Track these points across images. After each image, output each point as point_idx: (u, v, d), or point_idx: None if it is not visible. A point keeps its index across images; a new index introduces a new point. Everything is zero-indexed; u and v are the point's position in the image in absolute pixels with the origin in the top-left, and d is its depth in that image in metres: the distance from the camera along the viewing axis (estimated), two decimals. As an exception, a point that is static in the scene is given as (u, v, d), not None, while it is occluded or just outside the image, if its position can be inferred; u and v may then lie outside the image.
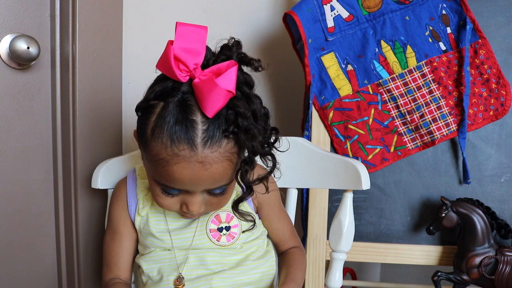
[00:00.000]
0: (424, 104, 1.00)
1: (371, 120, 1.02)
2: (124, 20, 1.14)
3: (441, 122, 1.00)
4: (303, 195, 1.05)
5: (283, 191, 0.93)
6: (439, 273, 0.98)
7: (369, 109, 1.02)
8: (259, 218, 0.85)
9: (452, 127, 1.00)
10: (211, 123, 0.62)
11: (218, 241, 0.78)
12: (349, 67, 1.03)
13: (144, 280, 0.81)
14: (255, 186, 0.71)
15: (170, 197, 0.70)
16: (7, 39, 0.93)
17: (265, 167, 0.71)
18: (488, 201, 1.00)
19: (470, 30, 0.99)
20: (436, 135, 1.00)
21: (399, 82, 1.01)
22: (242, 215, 0.77)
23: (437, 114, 1.00)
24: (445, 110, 1.00)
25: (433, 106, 1.00)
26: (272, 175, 0.72)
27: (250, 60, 0.66)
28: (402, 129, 1.02)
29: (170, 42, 0.62)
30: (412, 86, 1.01)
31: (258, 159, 0.69)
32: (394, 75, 1.02)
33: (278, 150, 0.72)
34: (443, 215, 0.95)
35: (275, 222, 0.86)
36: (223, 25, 1.21)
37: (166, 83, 0.64)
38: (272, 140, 0.71)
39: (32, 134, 1.01)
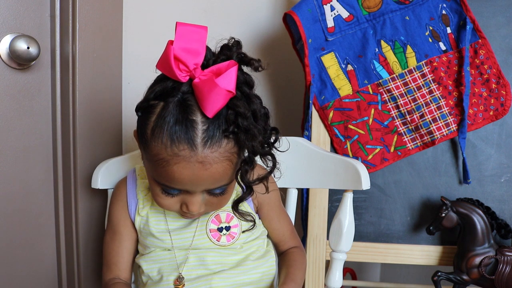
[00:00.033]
0: (424, 104, 1.00)
1: (371, 120, 1.02)
2: (124, 20, 1.14)
3: (441, 122, 1.00)
4: (303, 195, 1.05)
5: (283, 191, 0.93)
6: (439, 273, 0.98)
7: (369, 109, 1.02)
8: (259, 218, 0.85)
9: (452, 127, 1.00)
10: (211, 123, 0.62)
11: (218, 241, 0.78)
12: (349, 67, 1.03)
13: (144, 280, 0.81)
14: (255, 186, 0.71)
15: (170, 197, 0.70)
16: (7, 39, 0.93)
17: (265, 167, 0.71)
18: (488, 201, 1.00)
19: (470, 30, 0.99)
20: (436, 135, 1.00)
21: (399, 82, 1.01)
22: (242, 215, 0.77)
23: (437, 114, 1.00)
24: (445, 110, 1.00)
25: (433, 106, 1.00)
26: (272, 175, 0.72)
27: (250, 60, 0.66)
28: (402, 129, 1.02)
29: (170, 42, 0.62)
30: (412, 86, 1.01)
31: (258, 159, 0.69)
32: (394, 75, 1.02)
33: (278, 150, 0.72)
34: (443, 215, 0.95)
35: (275, 222, 0.86)
36: (223, 25, 1.21)
37: (166, 83, 0.64)
38: (272, 140, 0.71)
39: (32, 134, 1.01)
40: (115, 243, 0.83)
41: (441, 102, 1.00)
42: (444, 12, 1.01)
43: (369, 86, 1.02)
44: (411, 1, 1.01)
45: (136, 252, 0.85)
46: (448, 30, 1.02)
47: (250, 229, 0.80)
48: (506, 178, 1.00)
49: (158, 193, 0.70)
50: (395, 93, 1.01)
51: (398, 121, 1.02)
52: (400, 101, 1.01)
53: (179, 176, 0.64)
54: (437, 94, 1.00)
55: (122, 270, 0.82)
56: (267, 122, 0.69)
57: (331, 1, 1.01)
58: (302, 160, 0.91)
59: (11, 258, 1.01)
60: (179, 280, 0.76)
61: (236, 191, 0.78)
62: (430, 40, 1.01)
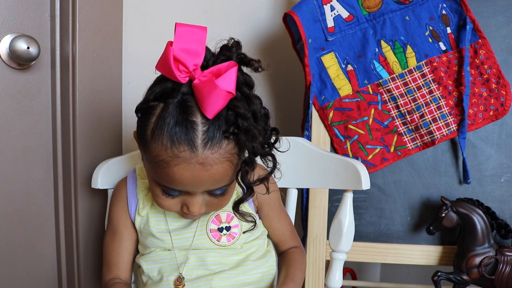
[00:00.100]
0: (424, 104, 1.00)
1: (371, 120, 1.02)
2: (124, 20, 1.14)
3: (441, 122, 1.00)
4: (303, 195, 1.05)
5: (283, 191, 0.93)
6: (439, 273, 0.98)
7: (369, 109, 1.02)
8: (259, 218, 0.85)
9: (452, 127, 1.00)
10: (211, 124, 0.62)
11: (219, 241, 0.78)
12: (349, 67, 1.03)
13: (144, 280, 0.81)
14: (256, 187, 0.71)
15: (170, 198, 0.70)
16: (7, 39, 0.93)
17: (266, 167, 0.71)
18: (488, 201, 1.00)
19: (470, 30, 0.99)
20: (436, 135, 1.00)
21: (399, 82, 1.01)
22: (243, 215, 0.77)
23: (437, 114, 1.00)
24: (445, 110, 1.00)
25: (433, 106, 1.00)
26: (273, 175, 0.72)
27: (250, 60, 0.66)
28: (402, 129, 1.02)
29: (170, 43, 0.61)
30: (412, 86, 1.01)
31: (258, 159, 0.69)
32: (394, 75, 1.02)
33: (279, 151, 0.72)
34: (443, 215, 0.95)
35: (275, 222, 0.86)
36: (223, 25, 1.21)
37: (165, 84, 0.64)
38: (272, 141, 0.71)
39: (32, 134, 1.01)
40: (115, 243, 0.83)
41: (441, 102, 1.00)
42: (444, 12, 1.01)
43: (369, 86, 1.02)
44: (411, 1, 1.01)
45: (136, 252, 0.85)
46: (448, 30, 1.01)
47: (251, 230, 0.80)
48: (506, 178, 1.00)
49: (159, 194, 0.70)
50: (395, 93, 1.01)
51: (398, 121, 1.02)
52: (400, 101, 1.01)
53: (179, 177, 0.64)
54: (437, 94, 1.00)
55: (122, 270, 0.82)
56: (267, 123, 0.69)
57: (331, 1, 1.01)
58: (302, 160, 0.90)
59: (11, 258, 1.01)
60: (180, 280, 0.76)
61: (237, 191, 0.78)
62: (430, 40, 1.01)
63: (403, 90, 1.01)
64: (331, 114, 1.03)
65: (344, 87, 1.02)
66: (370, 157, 1.02)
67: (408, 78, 1.01)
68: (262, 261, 0.81)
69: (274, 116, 1.18)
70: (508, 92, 0.99)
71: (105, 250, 0.84)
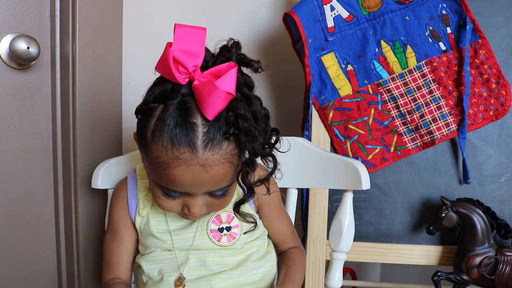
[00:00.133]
0: (424, 104, 1.00)
1: (371, 120, 1.02)
2: (124, 20, 1.14)
3: (441, 122, 1.00)
4: (303, 195, 1.05)
5: (283, 191, 0.93)
6: (439, 273, 0.98)
7: (369, 109, 1.02)
8: (259, 218, 0.85)
9: (452, 127, 1.00)
10: (212, 126, 0.62)
11: (219, 242, 0.78)
12: (349, 67, 1.03)
13: (145, 280, 0.81)
14: (256, 187, 0.71)
15: (171, 200, 0.70)
16: (7, 39, 0.93)
17: (266, 168, 0.71)
18: (488, 201, 1.00)
19: (470, 30, 0.99)
20: (436, 135, 1.00)
21: (399, 82, 1.01)
22: (244, 216, 0.77)
23: (437, 114, 1.00)
24: (445, 110, 1.00)
25: (433, 106, 1.00)
26: (273, 175, 0.72)
27: (249, 61, 0.65)
28: (402, 129, 1.02)
29: (169, 44, 0.61)
30: (412, 86, 1.01)
31: (258, 160, 0.69)
32: (394, 75, 1.01)
33: (279, 151, 0.72)
34: (443, 215, 0.96)
35: (275, 222, 0.86)
36: (223, 25, 1.21)
37: (165, 85, 0.64)
38: (272, 141, 0.71)
39: (32, 134, 1.01)
40: (115, 244, 0.83)
41: (441, 102, 1.00)
42: (444, 12, 1.01)
43: (369, 86, 1.02)
44: (411, 1, 1.01)
45: (137, 252, 0.85)
46: (448, 30, 1.01)
47: (251, 230, 0.80)
48: (506, 178, 1.00)
49: (159, 196, 0.70)
50: (395, 93, 1.01)
51: (398, 121, 1.02)
52: (400, 101, 1.01)
53: (180, 179, 0.64)
54: (437, 94, 1.00)
55: (122, 270, 0.82)
56: (268, 123, 0.69)
57: (331, 1, 1.01)
58: (302, 160, 0.90)
59: (11, 258, 1.01)
60: (180, 281, 0.76)
61: (237, 191, 0.78)
62: (430, 40, 1.01)
63: (403, 90, 1.01)
64: (331, 114, 1.03)
65: (344, 87, 1.02)
66: (370, 157, 1.02)
67: (408, 78, 1.01)
68: (263, 261, 0.81)
69: (274, 116, 1.18)
70: (508, 92, 0.99)
71: (105, 250, 0.84)
